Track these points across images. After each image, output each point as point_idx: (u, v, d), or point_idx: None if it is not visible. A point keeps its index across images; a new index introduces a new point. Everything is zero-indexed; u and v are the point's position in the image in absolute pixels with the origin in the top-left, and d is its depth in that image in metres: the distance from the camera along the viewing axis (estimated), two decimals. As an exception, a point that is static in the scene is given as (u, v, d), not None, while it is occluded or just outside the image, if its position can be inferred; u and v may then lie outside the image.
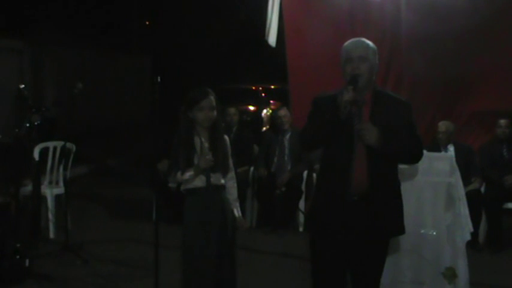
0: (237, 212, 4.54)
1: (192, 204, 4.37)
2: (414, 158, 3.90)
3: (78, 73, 15.42)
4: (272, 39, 8.20)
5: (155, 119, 5.13)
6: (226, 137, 4.55)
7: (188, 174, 4.29)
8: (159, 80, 4.82)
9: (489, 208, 7.06)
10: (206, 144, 4.33)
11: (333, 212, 3.72)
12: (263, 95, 19.98)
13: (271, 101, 19.89)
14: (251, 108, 17.66)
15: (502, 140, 7.32)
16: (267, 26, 8.16)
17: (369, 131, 3.55)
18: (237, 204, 4.59)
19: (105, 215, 8.70)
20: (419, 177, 4.57)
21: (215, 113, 4.37)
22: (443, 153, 6.91)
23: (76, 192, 7.09)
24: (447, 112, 7.85)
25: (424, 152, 5.02)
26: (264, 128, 15.91)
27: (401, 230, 3.85)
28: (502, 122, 7.28)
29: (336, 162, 3.73)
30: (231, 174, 4.57)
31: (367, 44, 3.75)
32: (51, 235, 7.17)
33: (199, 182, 4.33)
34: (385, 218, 3.68)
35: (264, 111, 19.10)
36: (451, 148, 7.32)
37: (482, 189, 7.23)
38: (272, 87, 21.10)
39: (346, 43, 3.78)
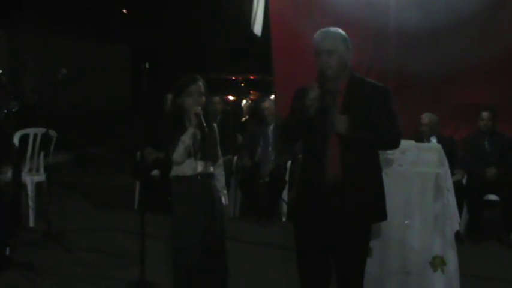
0: (224, 200, 4.52)
1: (181, 193, 4.34)
2: (390, 145, 3.93)
3: (57, 60, 15.23)
4: (258, 28, 8.18)
5: (142, 106, 5.08)
6: (214, 124, 4.52)
7: (183, 137, 4.21)
8: (147, 66, 4.77)
9: (471, 200, 7.11)
10: (196, 130, 4.27)
11: (311, 200, 3.77)
12: (242, 85, 19.93)
13: (251, 91, 19.83)
14: (230, 98, 17.60)
15: (484, 132, 7.37)
16: (253, 15, 8.13)
17: (338, 120, 3.59)
18: (225, 192, 4.57)
19: (86, 204, 8.61)
20: (408, 167, 4.57)
21: (204, 98, 4.33)
22: (432, 143, 6.94)
23: (56, 179, 6.99)
24: (430, 104, 7.87)
25: (413, 142, 5.08)
26: (244, 118, 15.89)
27: (381, 217, 3.88)
28: (485, 114, 7.32)
29: (312, 151, 3.80)
30: (219, 161, 4.54)
31: (335, 35, 3.75)
32: (31, 223, 7.09)
33: (189, 169, 4.29)
34: (362, 205, 3.69)
35: (244, 101, 19.05)
36: (434, 140, 7.37)
37: (464, 181, 7.28)
38: (251, 77, 21.03)
39: (316, 34, 3.78)
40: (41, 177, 7.30)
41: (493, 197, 7.19)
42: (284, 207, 7.83)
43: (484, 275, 5.82)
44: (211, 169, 4.41)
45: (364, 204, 3.71)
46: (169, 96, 8.02)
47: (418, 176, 4.60)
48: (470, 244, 6.79)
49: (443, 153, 4.63)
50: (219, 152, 4.54)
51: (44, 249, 6.21)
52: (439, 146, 4.72)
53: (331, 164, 3.68)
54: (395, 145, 3.88)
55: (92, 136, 14.75)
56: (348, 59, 3.77)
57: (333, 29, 3.79)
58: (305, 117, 3.61)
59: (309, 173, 3.83)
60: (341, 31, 3.79)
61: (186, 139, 4.22)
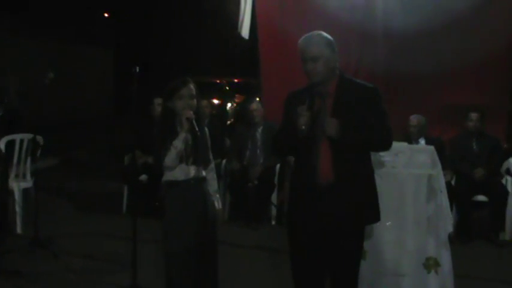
0: (217, 204, 4.49)
1: (173, 198, 4.28)
2: (381, 147, 3.92)
3: (41, 65, 15.10)
4: (245, 31, 8.16)
5: (133, 110, 5.04)
6: (206, 128, 4.49)
7: (175, 142, 4.16)
8: (137, 70, 4.73)
9: (459, 200, 7.13)
10: (187, 135, 4.23)
11: (303, 203, 3.76)
12: (227, 88, 19.90)
13: (236, 95, 19.80)
14: (215, 101, 17.56)
15: (473, 133, 7.39)
16: (240, 18, 8.11)
17: (329, 124, 3.59)
18: (218, 196, 4.54)
19: (74, 209, 8.54)
20: (401, 169, 4.58)
21: (195, 102, 4.29)
22: (424, 145, 6.96)
23: (43, 185, 6.91)
24: (418, 106, 7.90)
25: (406, 144, 5.09)
26: (229, 122, 15.89)
27: (374, 219, 3.86)
28: (473, 115, 7.34)
29: (304, 154, 3.78)
30: (211, 165, 4.52)
31: (319, 40, 3.71)
32: (19, 230, 7.02)
33: (181, 174, 4.25)
34: (354, 207, 3.68)
35: (229, 104, 19.02)
36: (422, 142, 7.41)
37: (453, 182, 7.30)
38: (236, 80, 21.00)
39: (300, 40, 3.75)
40: (28, 183, 7.22)
41: (481, 198, 7.22)
42: (273, 210, 7.82)
43: (475, 275, 5.84)
44: (204, 173, 4.38)
45: (357, 206, 3.69)
46: (157, 100, 8.02)
47: (411, 177, 4.60)
48: (460, 245, 6.81)
49: (436, 155, 4.64)
50: (211, 156, 4.52)
51: (32, 255, 6.12)
52: (432, 147, 4.72)
53: (322, 167, 3.67)
54: (387, 147, 3.87)
55: (76, 141, 14.65)
56: (336, 62, 3.74)
57: (315, 33, 3.75)
58: (296, 138, 3.63)
59: (300, 176, 3.82)
60: (325, 34, 3.75)
61: (178, 144, 4.18)
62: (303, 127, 3.57)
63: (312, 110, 3.61)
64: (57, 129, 14.77)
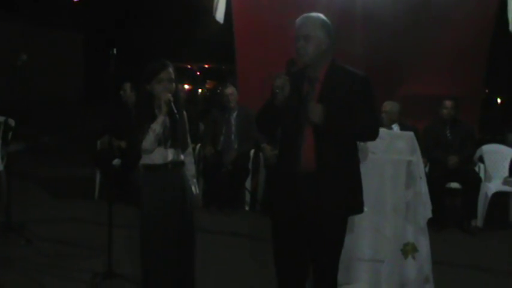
0: (194, 189, 4.43)
1: (151, 182, 4.21)
2: (367, 136, 3.87)
3: (9, 48, 14.85)
4: (220, 15, 8.07)
5: (110, 93, 4.96)
6: (184, 112, 4.43)
7: (153, 125, 4.09)
8: (114, 52, 4.64)
9: (433, 188, 7.10)
10: (166, 118, 4.16)
11: (285, 190, 3.72)
12: (198, 73, 19.81)
13: (207, 80, 19.73)
14: (186, 87, 17.49)
15: (446, 120, 7.41)
16: (215, 1, 8.01)
17: (313, 109, 3.52)
18: (195, 180, 4.48)
19: (45, 194, 8.41)
20: (380, 155, 4.56)
21: (174, 85, 4.23)
22: (404, 131, 6.98)
23: (14, 169, 6.78)
24: (393, 93, 7.93)
25: (385, 130, 5.09)
26: (200, 108, 15.85)
27: (356, 209, 3.80)
28: (447, 103, 7.36)
29: (288, 140, 3.73)
30: (189, 149, 4.46)
31: (314, 21, 3.69)
32: (-11, 214, 6.88)
33: (159, 158, 4.18)
34: (336, 196, 3.62)
35: (200, 90, 18.93)
36: (396, 128, 7.40)
37: (427, 169, 7.32)
38: (206, 66, 20.91)
39: (298, 18, 3.73)
40: (-1, 166, 7.09)
41: (454, 185, 7.28)
42: (247, 196, 7.80)
43: (450, 262, 5.91)
44: (182, 157, 4.32)
45: (339, 196, 3.63)
46: (128, 85, 7.93)
47: (390, 163, 4.60)
48: (433, 232, 6.84)
49: (415, 141, 4.65)
50: (189, 140, 4.46)
51: (4, 240, 6.04)
52: (412, 133, 4.73)
53: (305, 154, 3.62)
54: (372, 137, 3.80)
55: (47, 125, 14.43)
56: (329, 46, 3.69)
57: (314, 14, 3.73)
58: (274, 105, 3.57)
59: (283, 162, 3.77)
60: (323, 17, 3.72)
61: (157, 127, 4.11)
62: (277, 90, 3.52)
63: (290, 74, 3.54)
64: (27, 112, 14.56)
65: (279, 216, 3.81)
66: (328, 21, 3.72)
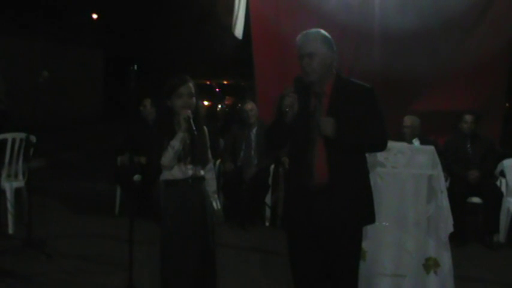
0: (215, 205, 4.43)
1: (171, 197, 4.22)
2: (376, 147, 3.92)
3: (29, 65, 15.00)
4: (239, 31, 8.12)
5: (130, 109, 4.98)
6: (205, 127, 4.44)
7: (172, 142, 4.10)
8: (135, 68, 4.68)
9: (454, 202, 7.07)
10: (185, 134, 4.17)
11: (299, 204, 3.75)
12: (217, 90, 19.84)
13: (226, 96, 19.75)
14: (205, 103, 17.53)
15: (467, 135, 7.38)
16: (234, 18, 8.06)
17: (324, 123, 3.58)
18: (216, 196, 4.49)
19: (66, 210, 8.42)
20: (401, 169, 4.55)
21: (194, 100, 4.24)
22: (424, 146, 6.95)
23: (35, 185, 6.82)
24: (413, 107, 7.90)
25: (406, 144, 5.07)
26: (220, 124, 15.89)
27: (369, 219, 3.85)
28: (468, 117, 7.34)
29: (299, 154, 3.77)
30: (210, 165, 4.47)
31: (315, 37, 3.73)
32: (11, 230, 6.91)
33: (179, 173, 4.19)
34: (348, 208, 3.66)
35: (219, 106, 18.96)
36: (416, 142, 7.38)
37: (447, 183, 7.26)
38: (225, 82, 20.94)
39: (298, 37, 3.77)
40: (20, 183, 7.13)
41: (476, 200, 7.22)
42: (267, 212, 7.78)
43: (473, 277, 5.87)
44: (202, 173, 4.32)
45: (351, 207, 3.68)
46: (147, 101, 7.96)
47: (411, 177, 4.59)
48: (455, 247, 6.78)
49: (436, 156, 4.63)
50: (209, 156, 4.47)
51: (25, 256, 6.05)
52: (432, 147, 4.71)
53: (317, 167, 3.66)
54: (381, 148, 3.87)
55: (67, 141, 14.53)
56: (332, 60, 3.73)
57: (314, 30, 3.77)
58: (284, 123, 3.64)
59: (296, 177, 3.80)
60: (323, 32, 3.76)
61: (176, 144, 4.12)
62: (287, 109, 3.58)
63: (309, 110, 3.62)
64: (48, 129, 14.70)
65: (294, 230, 3.84)
66: (328, 35, 3.76)
